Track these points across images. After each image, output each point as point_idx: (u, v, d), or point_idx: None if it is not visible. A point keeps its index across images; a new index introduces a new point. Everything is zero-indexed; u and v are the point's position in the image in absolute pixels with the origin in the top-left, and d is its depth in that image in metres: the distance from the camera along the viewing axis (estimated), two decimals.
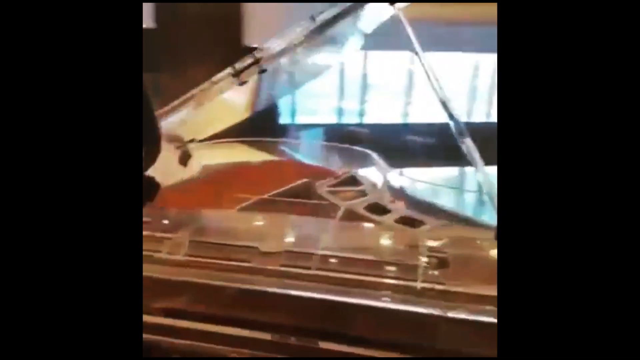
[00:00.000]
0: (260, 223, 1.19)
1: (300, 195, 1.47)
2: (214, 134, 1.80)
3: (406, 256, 1.05)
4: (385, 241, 1.18)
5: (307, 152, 2.14)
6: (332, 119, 5.81)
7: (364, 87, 5.87)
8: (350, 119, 5.83)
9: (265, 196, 1.39)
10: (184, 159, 1.74)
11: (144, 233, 1.14)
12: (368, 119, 5.81)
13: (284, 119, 5.07)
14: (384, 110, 5.86)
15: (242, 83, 1.18)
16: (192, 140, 1.74)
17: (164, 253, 1.06)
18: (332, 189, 1.59)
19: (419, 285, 0.95)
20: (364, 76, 5.82)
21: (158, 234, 1.11)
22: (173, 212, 1.23)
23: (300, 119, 5.53)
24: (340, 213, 1.30)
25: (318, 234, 1.14)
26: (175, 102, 1.27)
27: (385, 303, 0.92)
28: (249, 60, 1.17)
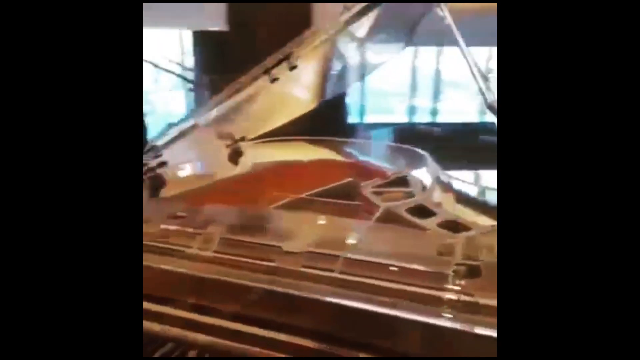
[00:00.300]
0: (292, 222, 1.17)
1: (344, 195, 1.44)
2: (268, 131, 1.81)
3: (437, 263, 0.98)
4: (419, 246, 1.12)
5: (362, 151, 2.10)
6: (400, 118, 5.71)
7: (437, 84, 5.70)
8: (419, 117, 5.69)
9: (303, 195, 1.37)
10: (235, 157, 1.77)
11: (178, 228, 1.17)
12: (439, 118, 5.64)
13: (347, 118, 5.04)
14: (456, 109, 5.67)
15: (274, 80, 1.17)
16: (242, 139, 1.77)
17: (194, 249, 1.08)
18: (378, 189, 1.54)
19: (445, 295, 0.89)
20: (438, 72, 5.66)
21: (190, 230, 1.13)
22: (209, 208, 1.25)
23: (367, 118, 5.49)
24: (377, 214, 1.25)
25: (349, 236, 1.10)
26: (212, 101, 1.29)
27: (405, 313, 0.86)
28: (278, 57, 1.16)
